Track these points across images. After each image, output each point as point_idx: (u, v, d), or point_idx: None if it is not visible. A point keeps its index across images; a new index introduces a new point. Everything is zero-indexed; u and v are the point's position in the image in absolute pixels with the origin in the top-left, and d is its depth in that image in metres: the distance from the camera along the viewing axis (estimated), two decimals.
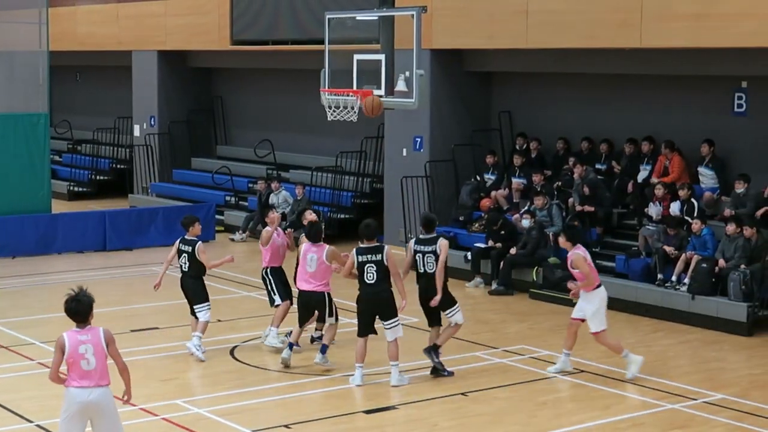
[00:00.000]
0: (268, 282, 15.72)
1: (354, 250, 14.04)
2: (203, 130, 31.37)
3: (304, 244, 14.78)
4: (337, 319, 14.91)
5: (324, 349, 14.82)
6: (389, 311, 14.02)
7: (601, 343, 14.60)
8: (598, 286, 14.48)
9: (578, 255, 14.36)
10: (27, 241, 23.24)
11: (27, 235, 23.31)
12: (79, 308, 9.75)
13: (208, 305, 15.50)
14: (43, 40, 24.51)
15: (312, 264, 14.56)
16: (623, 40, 19.36)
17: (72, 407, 9.69)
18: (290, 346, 14.90)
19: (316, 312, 14.97)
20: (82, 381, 9.65)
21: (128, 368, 10.08)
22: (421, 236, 14.38)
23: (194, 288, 15.47)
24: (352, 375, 14.11)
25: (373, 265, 13.88)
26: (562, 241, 15.00)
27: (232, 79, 31.13)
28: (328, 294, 14.77)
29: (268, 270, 15.71)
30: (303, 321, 14.92)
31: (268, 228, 15.82)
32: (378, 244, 14.09)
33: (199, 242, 15.41)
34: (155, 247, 24.12)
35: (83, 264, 22.75)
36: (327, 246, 14.66)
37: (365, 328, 14.14)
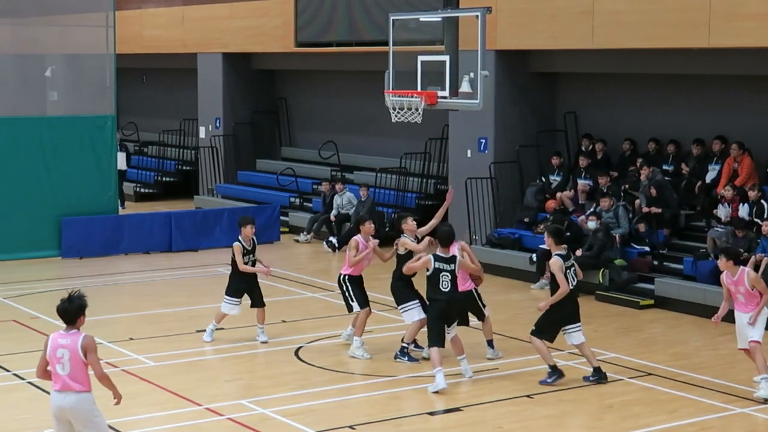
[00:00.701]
0: (345, 288, 15.60)
1: (431, 255, 14.02)
2: (268, 131, 31.51)
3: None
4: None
5: (491, 343, 15.40)
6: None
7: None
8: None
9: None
10: (94, 242, 23.48)
11: (94, 236, 23.54)
12: (68, 309, 9.80)
13: (236, 301, 16.09)
14: (110, 43, 24.75)
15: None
16: (691, 40, 19.14)
17: (52, 410, 9.85)
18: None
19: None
20: (56, 384, 9.77)
21: (108, 376, 9.98)
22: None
23: (228, 281, 16.28)
24: (431, 382, 13.87)
25: (448, 274, 13.91)
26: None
27: (296, 81, 31.22)
28: (475, 290, 15.10)
29: (346, 277, 15.62)
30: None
31: (373, 240, 15.63)
32: (453, 254, 14.04)
33: (235, 242, 16.20)
34: (220, 248, 24.22)
35: (149, 265, 22.92)
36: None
37: (441, 335, 14.08)
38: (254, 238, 16.39)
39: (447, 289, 13.88)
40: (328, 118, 30.06)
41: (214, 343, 16.25)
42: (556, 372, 14.12)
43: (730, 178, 19.80)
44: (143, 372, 14.84)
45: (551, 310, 14.08)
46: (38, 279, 21.18)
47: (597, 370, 14.27)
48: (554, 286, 14.06)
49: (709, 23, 18.68)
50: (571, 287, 14.02)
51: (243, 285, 16.13)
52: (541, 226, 21.74)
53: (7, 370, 14.86)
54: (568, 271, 14.07)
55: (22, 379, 14.47)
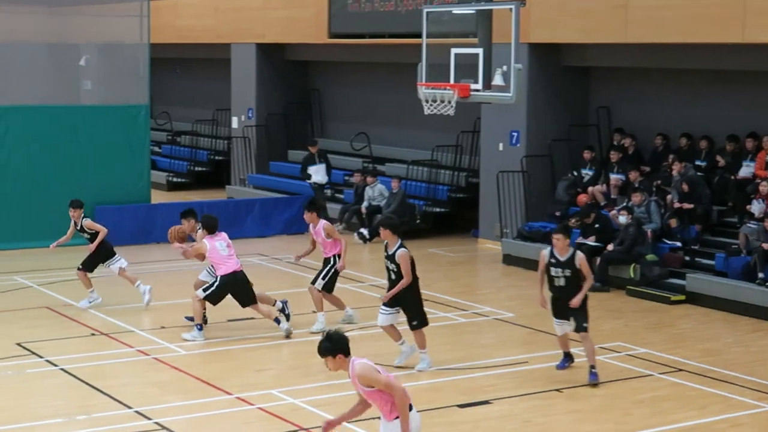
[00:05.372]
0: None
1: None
2: (300, 122, 31.55)
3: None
4: None
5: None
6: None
7: None
8: None
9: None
10: (126, 230, 23.57)
11: (126, 224, 23.66)
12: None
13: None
14: (144, 32, 24.88)
15: None
16: (725, 36, 19.05)
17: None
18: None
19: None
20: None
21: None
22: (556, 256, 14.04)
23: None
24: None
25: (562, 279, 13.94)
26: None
27: (328, 73, 31.26)
28: None
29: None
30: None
31: None
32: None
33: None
34: (252, 238, 24.38)
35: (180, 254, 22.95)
36: None
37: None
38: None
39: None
40: (360, 110, 30.09)
41: (243, 333, 16.34)
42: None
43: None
44: (174, 360, 14.94)
45: (584, 302, 14.06)
46: (70, 267, 21.30)
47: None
48: (576, 280, 13.94)
49: (743, 19, 18.60)
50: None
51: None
52: (573, 220, 21.66)
53: (41, 356, 14.99)
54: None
55: (55, 365, 14.59)
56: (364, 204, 25.31)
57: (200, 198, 28.55)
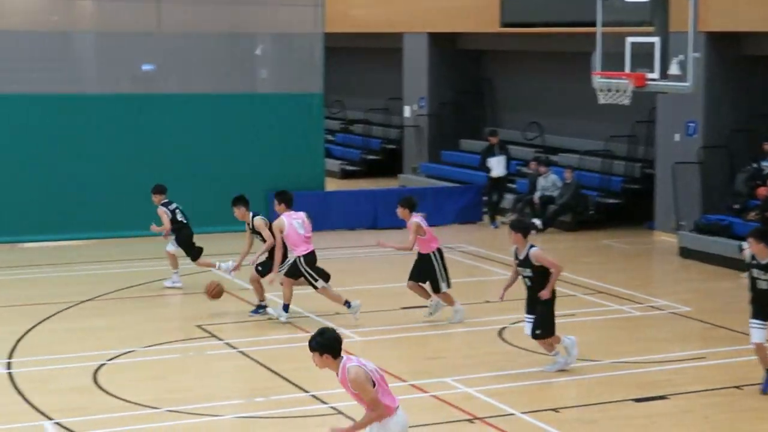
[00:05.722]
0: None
1: None
2: (471, 112, 31.52)
3: None
4: None
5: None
6: None
7: None
8: None
9: None
10: None
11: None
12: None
13: None
14: (318, 22, 25.23)
15: None
16: None
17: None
18: None
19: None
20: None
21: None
22: None
23: None
24: None
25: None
26: None
27: (501, 62, 31.14)
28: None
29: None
30: None
31: None
32: None
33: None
34: None
35: (354, 241, 23.28)
36: None
37: None
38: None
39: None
40: (532, 100, 29.89)
41: (417, 320, 16.44)
42: None
43: None
44: (349, 346, 15.05)
45: None
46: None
47: None
48: None
49: None
50: None
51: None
52: (752, 213, 21.11)
53: (220, 339, 15.37)
54: None
55: (234, 348, 14.95)
56: (537, 194, 25.14)
57: (372, 186, 28.81)
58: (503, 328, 15.99)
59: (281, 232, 16.11)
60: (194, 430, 11.83)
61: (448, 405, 12.67)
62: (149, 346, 15.08)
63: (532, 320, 13.78)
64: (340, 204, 24.73)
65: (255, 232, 16.88)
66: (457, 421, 12.19)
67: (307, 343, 9.04)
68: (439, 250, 16.26)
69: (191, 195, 23.63)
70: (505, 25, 27.47)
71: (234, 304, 17.47)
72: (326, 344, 8.91)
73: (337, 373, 9.02)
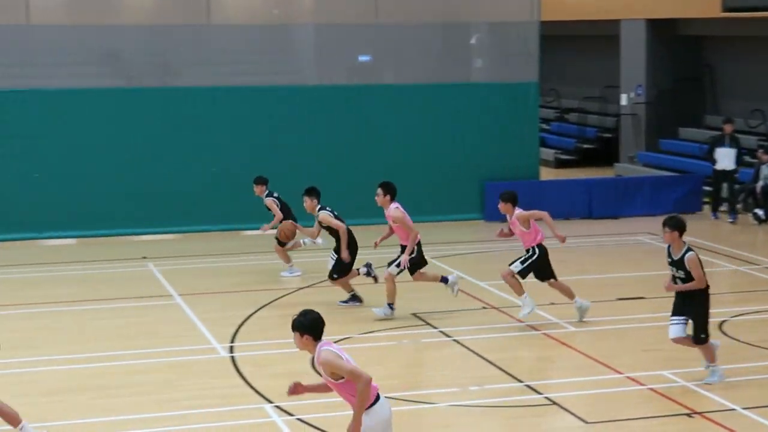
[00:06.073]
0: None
1: None
2: (691, 99, 30.75)
3: None
4: None
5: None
6: None
7: None
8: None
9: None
10: None
11: None
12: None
13: None
14: (535, 10, 25.06)
15: None
16: None
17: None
18: None
19: None
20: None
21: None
22: None
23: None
24: None
25: None
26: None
27: (722, 48, 30.26)
28: None
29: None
30: None
31: None
32: None
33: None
34: (641, 216, 24.06)
35: (569, 230, 22.88)
36: None
37: None
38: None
39: None
40: (756, 86, 28.93)
41: (634, 312, 16.16)
42: None
43: None
44: (563, 337, 15.00)
45: None
46: (460, 241, 21.88)
47: None
48: None
49: None
50: None
51: None
52: None
53: (435, 327, 15.45)
54: None
55: (448, 336, 15.01)
56: (760, 183, 24.31)
57: (587, 176, 28.47)
58: (723, 321, 15.54)
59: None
60: (409, 416, 11.92)
61: (665, 398, 12.40)
62: (366, 333, 15.29)
63: (681, 321, 13.05)
64: (555, 193, 24.51)
65: (325, 227, 16.71)
66: (676, 415, 11.92)
67: (291, 323, 8.92)
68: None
69: (407, 185, 23.80)
70: (727, 9, 26.70)
71: (447, 294, 17.48)
72: (308, 325, 8.84)
73: (313, 357, 8.91)
